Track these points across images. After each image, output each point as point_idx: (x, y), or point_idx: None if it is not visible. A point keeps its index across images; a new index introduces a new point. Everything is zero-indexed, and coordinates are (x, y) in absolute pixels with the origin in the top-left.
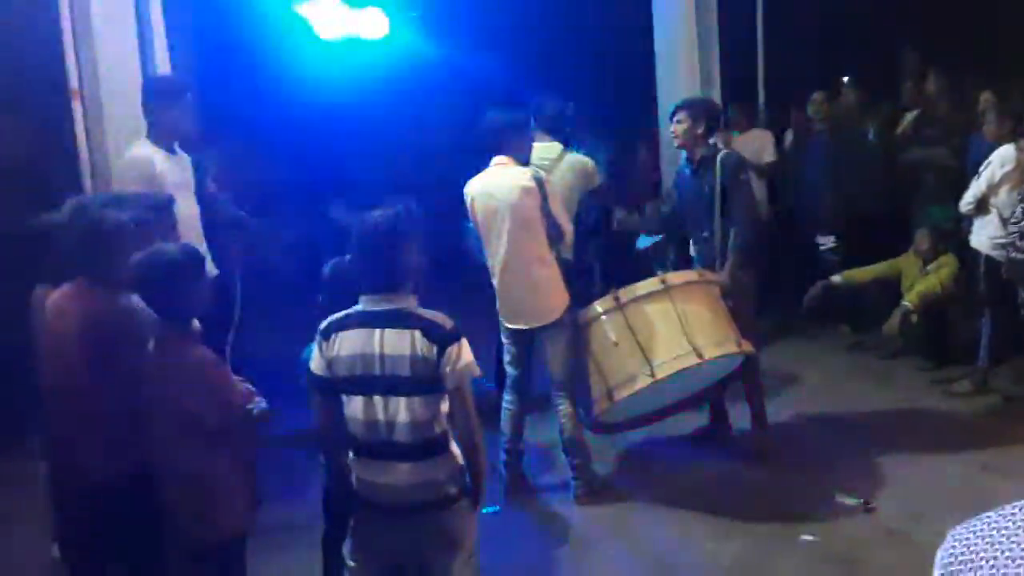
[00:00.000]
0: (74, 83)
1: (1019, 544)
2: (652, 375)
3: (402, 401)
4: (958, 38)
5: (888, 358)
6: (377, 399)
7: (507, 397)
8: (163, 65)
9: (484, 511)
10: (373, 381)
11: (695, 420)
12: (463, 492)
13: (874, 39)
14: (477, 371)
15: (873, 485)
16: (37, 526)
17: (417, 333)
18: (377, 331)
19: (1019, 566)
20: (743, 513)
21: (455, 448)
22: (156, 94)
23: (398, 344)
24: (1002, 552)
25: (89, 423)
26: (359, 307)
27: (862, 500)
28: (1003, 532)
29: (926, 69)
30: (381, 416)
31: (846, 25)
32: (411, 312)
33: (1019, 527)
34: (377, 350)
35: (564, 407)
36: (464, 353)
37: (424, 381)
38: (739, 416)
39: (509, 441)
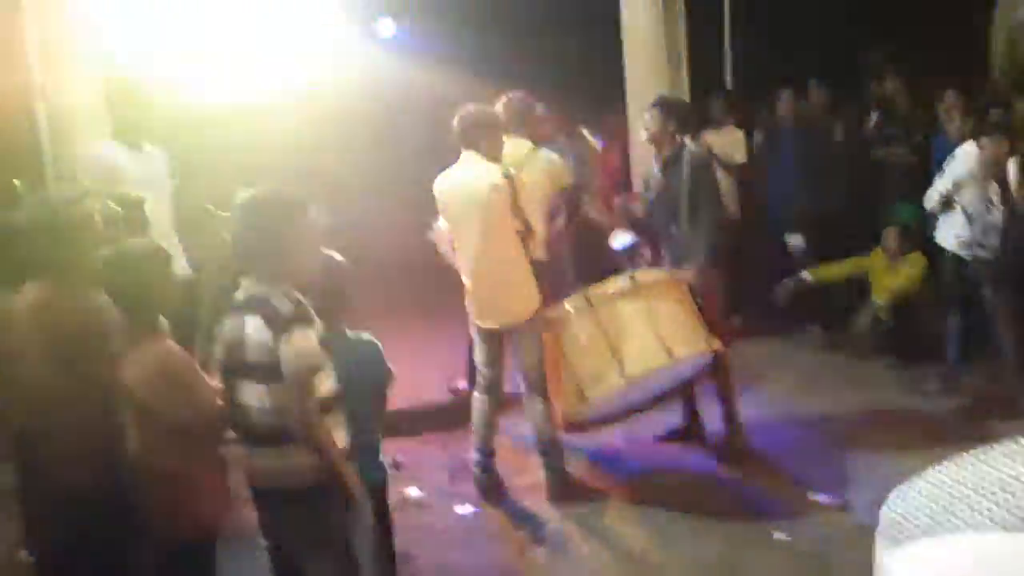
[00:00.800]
0: (39, 83)
1: (952, 495)
2: (623, 374)
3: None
4: (922, 37)
5: (859, 358)
6: (243, 383)
7: (479, 396)
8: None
9: (459, 511)
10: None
11: (668, 419)
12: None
13: (840, 38)
14: (314, 361)
15: (846, 483)
16: (4, 531)
17: (260, 319)
18: (242, 316)
19: (960, 516)
20: (717, 512)
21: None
22: (119, 92)
23: (250, 329)
24: (937, 503)
25: (57, 425)
26: (238, 292)
27: (834, 498)
28: (940, 486)
29: (892, 68)
30: (246, 401)
31: (813, 24)
32: (263, 298)
33: (955, 479)
34: (240, 335)
35: (536, 406)
36: (297, 341)
37: (264, 367)
38: (712, 415)
39: (481, 441)
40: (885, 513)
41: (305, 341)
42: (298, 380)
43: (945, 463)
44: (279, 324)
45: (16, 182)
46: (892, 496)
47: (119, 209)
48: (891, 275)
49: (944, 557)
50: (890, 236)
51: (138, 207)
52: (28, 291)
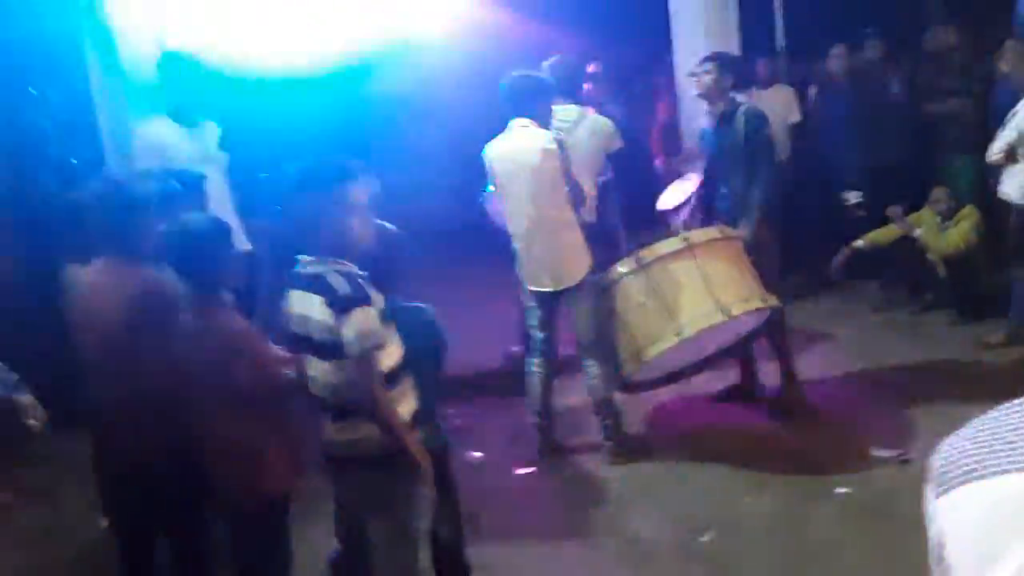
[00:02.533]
0: (94, 63)
1: (994, 440)
2: (679, 334)
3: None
4: None
5: (918, 313)
6: (311, 358)
7: (534, 360)
8: (180, 42)
9: (519, 473)
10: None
11: (725, 378)
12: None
13: None
14: (376, 340)
15: (907, 438)
16: (84, 499)
17: (320, 299)
18: (305, 293)
19: (1006, 459)
20: (776, 469)
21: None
22: (175, 69)
23: (314, 307)
24: (980, 449)
25: (130, 396)
26: (299, 268)
27: (897, 452)
28: (982, 432)
29: (948, 17)
30: (314, 374)
31: None
32: (321, 276)
33: (996, 426)
34: (306, 311)
35: (592, 369)
36: (358, 321)
37: (328, 345)
38: (768, 373)
39: (539, 404)
40: (933, 462)
41: (365, 321)
42: (361, 360)
43: (989, 412)
44: (340, 305)
45: (73, 160)
46: (940, 446)
47: (179, 186)
48: (943, 233)
49: (984, 498)
50: (937, 196)
51: (198, 185)
52: (95, 266)
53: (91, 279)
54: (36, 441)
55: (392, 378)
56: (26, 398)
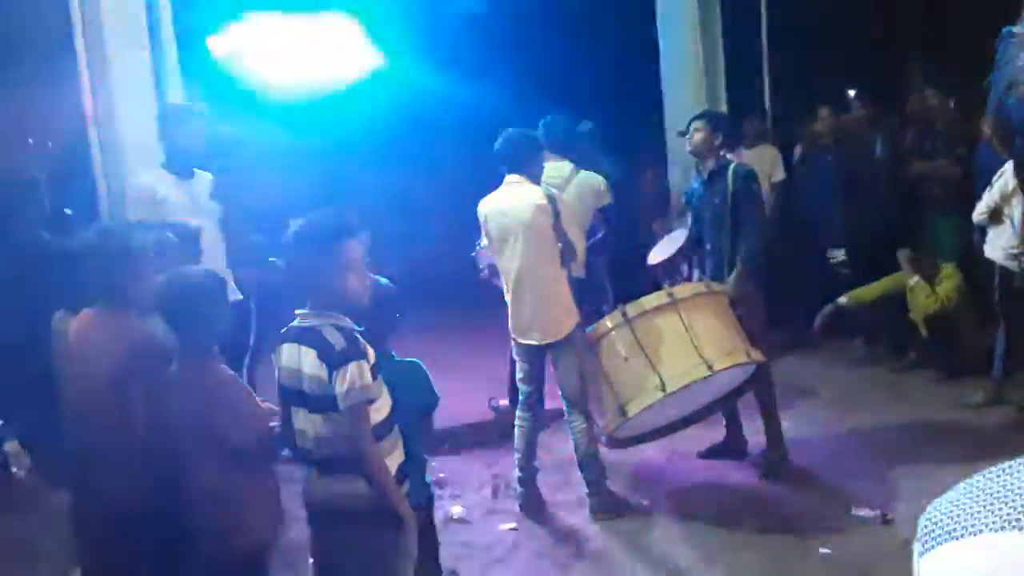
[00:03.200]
0: (90, 111)
1: (978, 502)
2: (663, 389)
3: (310, 416)
4: (964, 49)
5: (901, 372)
6: (299, 411)
7: (520, 414)
8: (177, 92)
9: (502, 528)
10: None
11: (710, 435)
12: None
13: (881, 51)
14: (369, 394)
15: (889, 497)
16: (59, 552)
17: (313, 352)
18: (297, 346)
19: (983, 521)
20: (760, 527)
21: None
22: (168, 119)
23: (305, 361)
24: (964, 510)
25: (112, 447)
26: (295, 321)
27: (879, 512)
28: (968, 494)
29: (932, 79)
30: (302, 427)
31: (852, 39)
32: (316, 330)
33: (981, 489)
34: (296, 365)
35: (577, 423)
36: (351, 375)
37: (319, 399)
38: (754, 430)
39: (523, 458)
40: (921, 522)
41: (360, 375)
42: (353, 414)
43: (976, 476)
44: (334, 359)
45: (67, 211)
46: (929, 507)
47: (174, 238)
48: (928, 294)
49: (964, 557)
50: (904, 259)
51: (194, 239)
52: (84, 315)
53: (80, 328)
54: (19, 489)
55: (380, 431)
56: (11, 445)
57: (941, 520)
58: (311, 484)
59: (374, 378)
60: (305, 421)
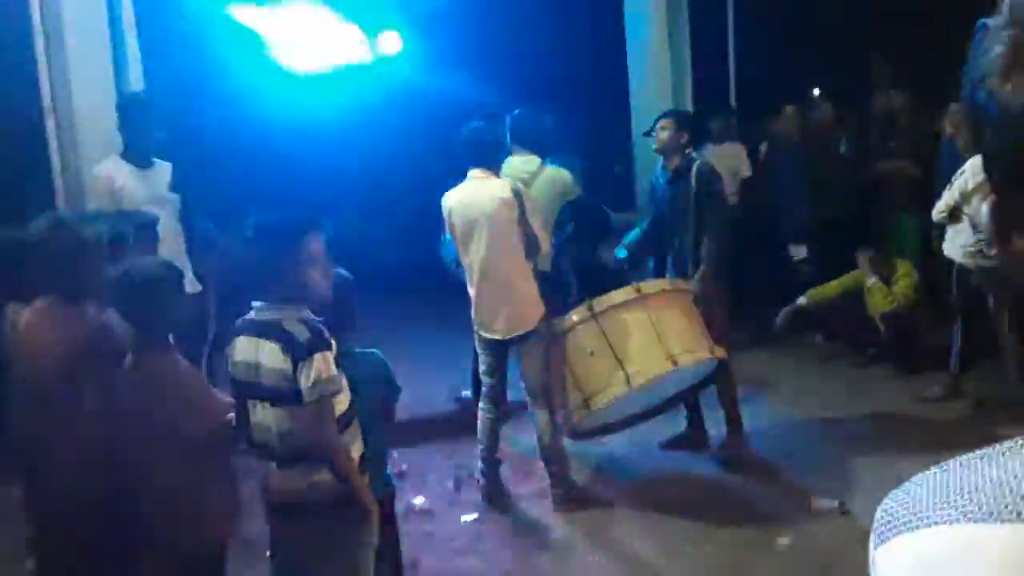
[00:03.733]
0: (47, 101)
1: (934, 493)
2: (628, 382)
3: (272, 410)
4: (929, 48)
5: (861, 367)
6: (257, 404)
7: (483, 406)
8: (136, 83)
9: (464, 519)
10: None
11: (671, 426)
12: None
13: (846, 50)
14: (335, 385)
15: (848, 489)
16: (9, 545)
17: (276, 346)
18: (255, 339)
19: (939, 512)
20: (721, 519)
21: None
22: (127, 108)
23: (266, 354)
24: (920, 502)
25: (65, 442)
26: (250, 314)
27: (837, 503)
28: (923, 485)
29: (896, 78)
30: (261, 420)
31: (818, 37)
32: (278, 323)
33: (937, 481)
34: (254, 358)
35: (541, 416)
36: (317, 367)
37: (281, 392)
38: (715, 422)
39: (486, 450)
40: (877, 514)
41: (326, 368)
42: (319, 406)
43: (932, 468)
44: (299, 352)
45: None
46: (886, 499)
47: (130, 228)
48: (885, 295)
49: (916, 549)
50: (863, 260)
51: (150, 227)
52: (37, 308)
53: (31, 319)
54: None
55: (341, 423)
56: None
57: (897, 511)
58: (270, 478)
59: (337, 368)
60: (266, 416)
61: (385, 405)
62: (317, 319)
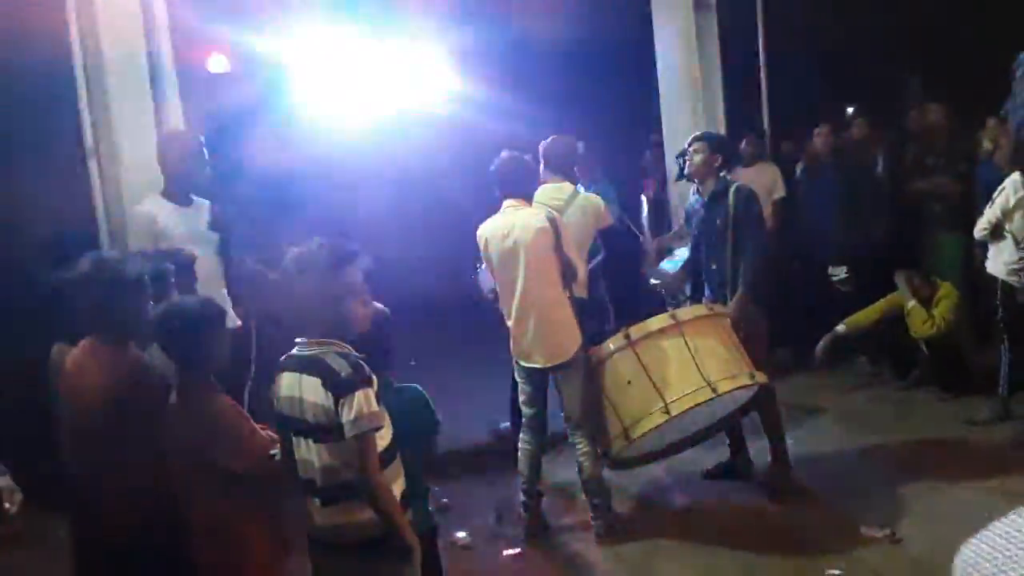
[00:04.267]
0: (90, 143)
1: (1017, 544)
2: (667, 411)
3: (314, 446)
4: (963, 65)
5: (907, 390)
6: (300, 441)
7: (523, 437)
8: (176, 121)
9: (505, 554)
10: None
11: (715, 455)
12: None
13: (880, 68)
14: (377, 422)
15: (897, 516)
16: None
17: (318, 381)
18: (298, 375)
19: (1016, 564)
20: (767, 549)
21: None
22: (168, 148)
23: (308, 389)
24: (1001, 552)
25: (111, 479)
26: (294, 350)
27: (887, 531)
28: (1004, 536)
29: (930, 97)
30: (305, 456)
31: (851, 55)
32: (320, 359)
33: (1018, 530)
34: (297, 393)
35: (581, 446)
36: (359, 404)
37: (324, 428)
38: (759, 450)
39: (527, 481)
40: (956, 563)
41: (368, 404)
42: (361, 443)
43: (1011, 514)
44: (340, 387)
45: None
46: (963, 547)
47: (171, 267)
48: (924, 319)
49: None
50: (901, 281)
51: (189, 266)
52: (82, 348)
53: (76, 359)
54: (11, 524)
55: (383, 459)
56: (3, 481)
57: (978, 563)
58: (314, 514)
59: (379, 404)
60: (308, 451)
61: (424, 440)
62: (358, 355)
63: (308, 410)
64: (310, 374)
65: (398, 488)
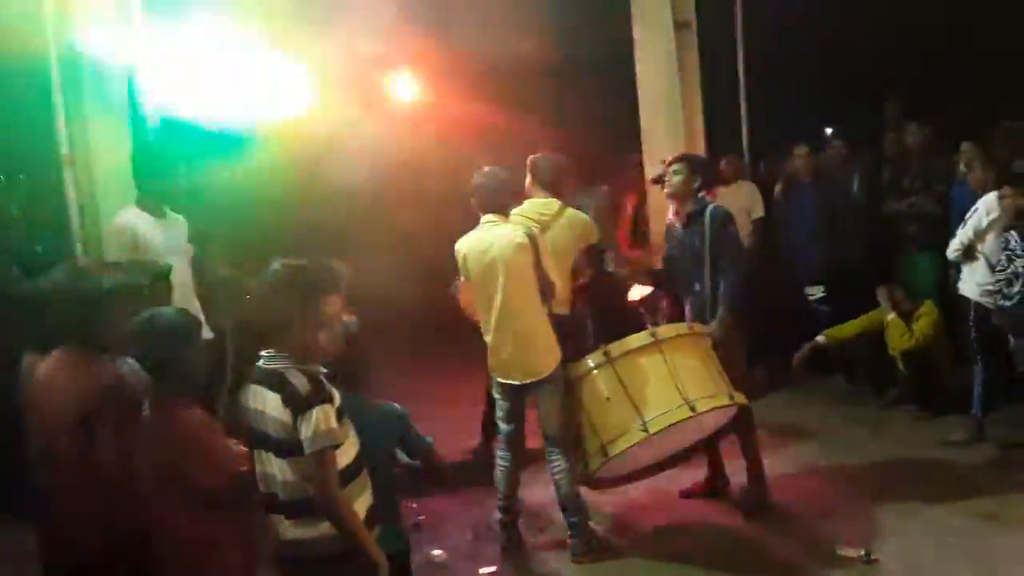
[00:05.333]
0: (66, 151)
1: None
2: (645, 430)
3: (276, 460)
4: (939, 87)
5: (883, 409)
6: (263, 455)
7: (501, 454)
8: (153, 128)
9: (481, 572)
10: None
11: (692, 474)
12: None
13: (857, 90)
14: (334, 439)
15: (873, 536)
16: None
17: (278, 397)
18: (262, 389)
19: None
20: (743, 569)
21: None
22: (144, 158)
23: (270, 404)
24: None
25: (81, 491)
26: (260, 361)
27: (863, 552)
28: None
29: (907, 119)
30: (268, 471)
31: (829, 77)
32: (280, 373)
33: None
34: (261, 407)
35: (559, 463)
36: (316, 420)
37: (284, 443)
38: (736, 469)
39: (504, 499)
40: None
41: (324, 420)
42: (319, 458)
43: None
44: (299, 404)
45: (38, 248)
46: None
47: (146, 277)
48: (903, 332)
49: None
50: (883, 294)
51: (164, 276)
52: (55, 358)
53: (48, 369)
54: None
55: (346, 475)
56: None
57: None
58: (278, 529)
59: (340, 421)
60: (271, 465)
61: (394, 459)
62: (321, 370)
63: (270, 424)
64: (272, 389)
65: (363, 504)
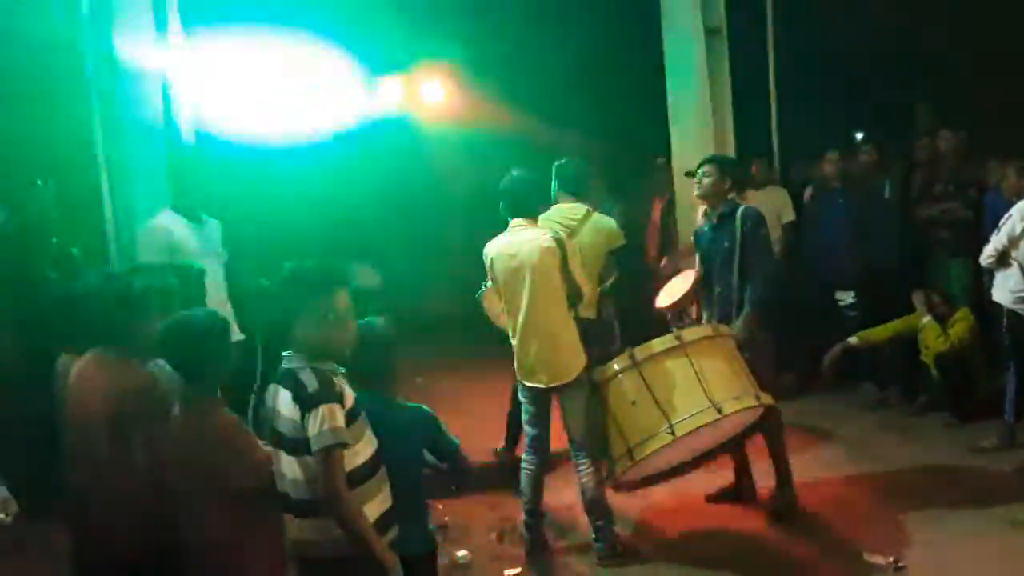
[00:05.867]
0: (101, 155)
1: None
2: (672, 433)
3: (287, 458)
4: (972, 93)
5: (913, 415)
6: (278, 453)
7: (526, 457)
8: (188, 135)
9: (505, 574)
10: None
11: (719, 478)
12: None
13: (889, 94)
14: (340, 438)
15: (901, 544)
16: None
17: (289, 394)
18: (279, 388)
19: None
20: (769, 574)
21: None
22: (180, 163)
23: (283, 402)
24: None
25: (113, 491)
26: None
27: (891, 559)
28: None
29: (939, 124)
30: (280, 469)
31: (861, 81)
32: (294, 372)
33: None
34: (277, 406)
35: (585, 466)
36: (322, 418)
37: (295, 441)
38: (763, 473)
39: (529, 502)
40: None
41: (331, 419)
42: (324, 457)
43: None
44: (305, 400)
45: (73, 250)
46: None
47: (178, 280)
48: (938, 334)
49: None
50: (919, 298)
51: (198, 279)
52: (88, 359)
53: (81, 371)
54: (5, 533)
55: (359, 475)
56: None
57: None
58: (291, 528)
59: (352, 421)
60: (285, 464)
61: (420, 460)
62: (335, 369)
63: (283, 423)
64: (285, 387)
65: (378, 506)
